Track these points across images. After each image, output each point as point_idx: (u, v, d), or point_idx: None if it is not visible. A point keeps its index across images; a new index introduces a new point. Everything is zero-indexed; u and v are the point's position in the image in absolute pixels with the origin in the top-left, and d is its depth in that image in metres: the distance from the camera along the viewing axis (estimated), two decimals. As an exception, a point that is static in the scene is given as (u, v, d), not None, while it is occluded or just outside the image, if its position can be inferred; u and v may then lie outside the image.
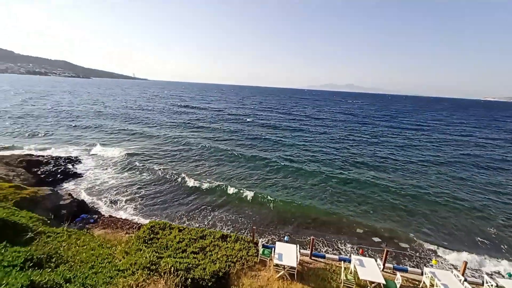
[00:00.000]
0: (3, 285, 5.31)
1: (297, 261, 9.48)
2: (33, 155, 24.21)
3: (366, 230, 15.72)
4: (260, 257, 10.07)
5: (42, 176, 19.92)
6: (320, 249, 13.52)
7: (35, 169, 20.62)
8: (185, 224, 14.30)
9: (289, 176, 23.72)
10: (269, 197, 18.88)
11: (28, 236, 8.41)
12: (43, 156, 24.31)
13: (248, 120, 57.25)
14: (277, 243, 10.54)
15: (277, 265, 9.45)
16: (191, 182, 20.85)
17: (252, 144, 35.44)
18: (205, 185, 20.30)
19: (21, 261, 7.09)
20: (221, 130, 43.95)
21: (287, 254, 9.75)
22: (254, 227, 12.53)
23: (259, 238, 12.15)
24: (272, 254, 10.00)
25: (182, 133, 40.78)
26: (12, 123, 41.33)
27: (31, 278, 5.78)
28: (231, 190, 19.62)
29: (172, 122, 49.77)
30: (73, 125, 42.89)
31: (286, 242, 10.83)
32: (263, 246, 10.90)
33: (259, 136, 40.21)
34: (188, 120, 53.89)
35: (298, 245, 10.50)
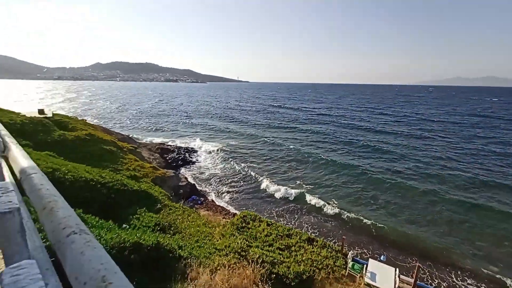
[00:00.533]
0: (142, 240, 7.11)
1: (395, 286, 8.12)
2: (164, 144, 31.33)
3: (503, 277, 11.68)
4: (349, 270, 9.24)
5: (169, 161, 25.49)
6: (427, 281, 11.06)
7: (165, 155, 26.58)
8: (273, 220, 14.94)
9: (390, 191, 20.30)
10: (363, 212, 17.05)
11: (158, 207, 10.94)
12: (170, 145, 31.01)
13: (343, 121, 53.43)
14: (370, 260, 9.39)
15: (369, 285, 8.41)
16: (280, 183, 21.38)
17: (346, 149, 32.80)
18: (294, 189, 20.25)
19: (153, 224, 9.31)
20: (313, 132, 42.91)
21: (383, 275, 8.51)
22: (344, 237, 11.62)
23: (348, 251, 11.15)
24: (363, 271, 8.97)
25: (273, 133, 42.52)
26: (151, 119, 54.93)
27: (158, 239, 7.47)
28: (320, 197, 18.86)
29: (265, 122, 52.68)
30: (189, 122, 52.58)
31: (382, 261, 9.47)
32: (353, 259, 9.94)
33: (355, 140, 36.68)
34: (280, 120, 55.62)
35: (397, 269, 8.97)
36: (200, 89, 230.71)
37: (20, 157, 0.87)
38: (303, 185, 21.09)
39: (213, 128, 46.70)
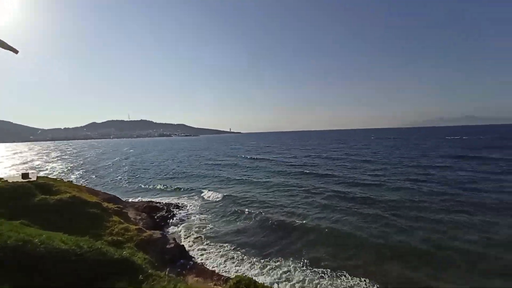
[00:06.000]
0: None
1: None
2: (153, 201, 30.00)
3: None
4: None
5: (157, 220, 23.99)
6: None
7: (153, 214, 25.12)
8: (274, 286, 13.45)
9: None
10: None
11: (140, 278, 9.77)
12: (159, 202, 29.68)
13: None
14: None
15: None
16: (277, 241, 20.16)
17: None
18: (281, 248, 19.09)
19: (134, 301, 8.15)
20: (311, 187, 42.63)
21: None
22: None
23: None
24: None
25: (261, 187, 41.85)
26: (136, 176, 53.76)
27: (136, 322, 6.43)
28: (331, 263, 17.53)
29: (243, 174, 52.39)
30: (180, 175, 51.70)
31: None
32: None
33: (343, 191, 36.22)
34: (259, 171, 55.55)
35: None
36: (191, 142, 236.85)
37: None
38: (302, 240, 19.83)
39: (205, 179, 45.85)
